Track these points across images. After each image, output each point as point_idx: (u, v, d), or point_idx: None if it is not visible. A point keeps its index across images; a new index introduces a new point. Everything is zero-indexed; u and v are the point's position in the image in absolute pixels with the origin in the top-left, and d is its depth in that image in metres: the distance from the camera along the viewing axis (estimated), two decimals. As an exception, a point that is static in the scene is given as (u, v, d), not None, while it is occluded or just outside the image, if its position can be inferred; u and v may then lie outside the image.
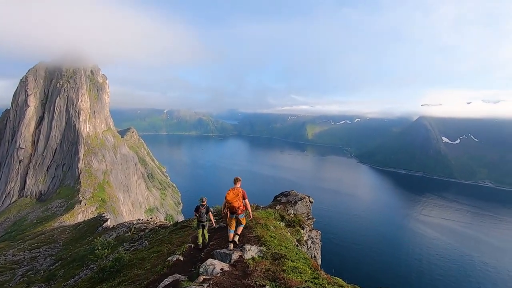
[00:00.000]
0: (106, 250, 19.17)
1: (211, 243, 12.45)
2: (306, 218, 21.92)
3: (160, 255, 14.80)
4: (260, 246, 10.18)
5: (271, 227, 14.38)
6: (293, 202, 22.38)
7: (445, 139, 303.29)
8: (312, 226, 21.48)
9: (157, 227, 30.94)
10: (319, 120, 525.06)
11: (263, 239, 11.49)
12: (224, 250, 9.81)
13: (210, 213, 12.85)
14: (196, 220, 13.15)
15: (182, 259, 11.45)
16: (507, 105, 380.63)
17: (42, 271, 31.32)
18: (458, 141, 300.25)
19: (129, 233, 33.50)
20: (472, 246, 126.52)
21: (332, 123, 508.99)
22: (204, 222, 12.61)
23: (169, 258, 11.45)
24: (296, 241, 16.43)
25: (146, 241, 23.40)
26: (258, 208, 21.14)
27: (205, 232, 12.90)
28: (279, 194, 25.08)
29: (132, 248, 22.47)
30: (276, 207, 20.84)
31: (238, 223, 10.97)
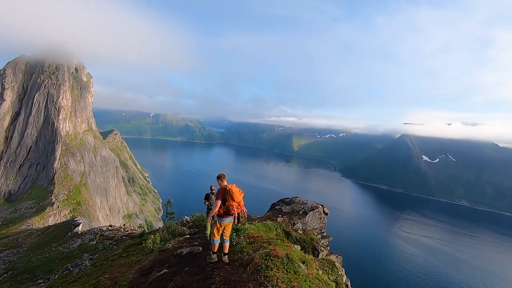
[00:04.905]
0: None
1: None
2: (320, 236, 15.95)
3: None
4: None
5: (301, 265, 7.84)
6: (301, 213, 16.76)
7: (425, 158, 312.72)
8: (328, 248, 14.94)
9: (125, 236, 27.72)
10: (306, 133, 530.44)
11: None
12: None
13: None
14: (206, 208, 12.85)
15: None
16: (484, 129, 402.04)
17: (-12, 283, 27.27)
18: (437, 160, 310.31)
19: (94, 242, 30.63)
20: (448, 263, 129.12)
21: (318, 136, 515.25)
22: None
23: None
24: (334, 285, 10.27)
25: (87, 261, 19.00)
26: (251, 220, 15.91)
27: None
28: (278, 202, 19.55)
29: (66, 272, 18.00)
30: (278, 219, 15.75)
31: (229, 229, 8.61)
